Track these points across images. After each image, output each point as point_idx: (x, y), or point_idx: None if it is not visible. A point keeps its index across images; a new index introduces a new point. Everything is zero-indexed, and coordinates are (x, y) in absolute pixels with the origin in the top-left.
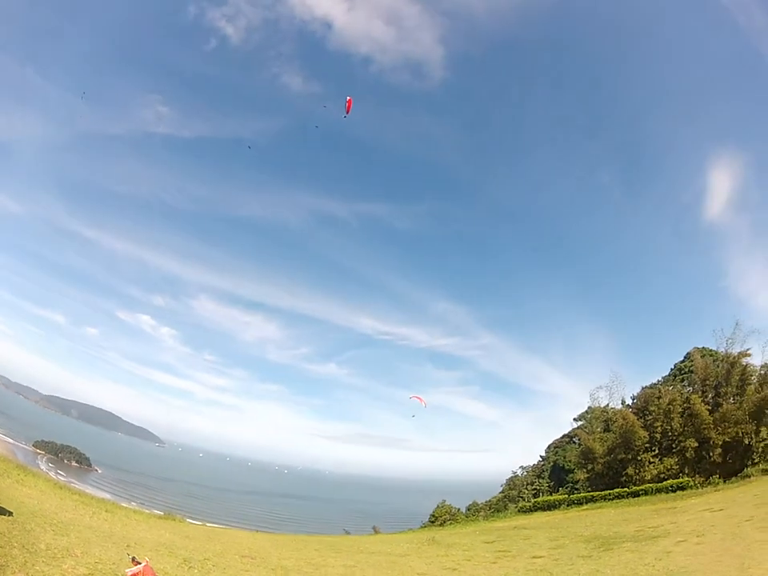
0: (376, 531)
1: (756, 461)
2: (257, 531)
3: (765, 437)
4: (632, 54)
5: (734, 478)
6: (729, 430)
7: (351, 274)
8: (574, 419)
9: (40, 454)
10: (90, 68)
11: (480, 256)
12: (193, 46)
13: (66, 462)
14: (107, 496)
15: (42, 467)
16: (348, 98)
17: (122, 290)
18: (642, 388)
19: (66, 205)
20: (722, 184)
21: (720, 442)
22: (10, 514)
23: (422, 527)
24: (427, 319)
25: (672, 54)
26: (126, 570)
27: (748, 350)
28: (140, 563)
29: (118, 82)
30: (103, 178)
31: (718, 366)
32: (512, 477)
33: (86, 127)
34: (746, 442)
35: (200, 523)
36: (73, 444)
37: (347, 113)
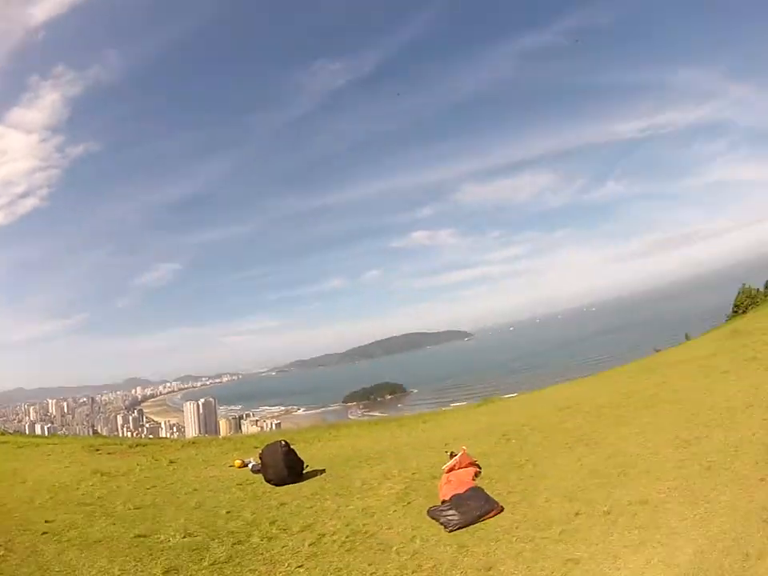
0: (687, 338)
1: None
2: (572, 381)
3: None
4: None
5: None
6: None
7: (591, 83)
8: None
9: (351, 406)
10: None
11: None
12: None
13: (378, 399)
14: (426, 410)
15: (354, 416)
16: None
17: (387, 223)
18: None
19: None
20: None
21: None
22: (322, 471)
23: (727, 321)
24: (679, 95)
25: None
26: (443, 467)
27: None
28: (456, 455)
29: None
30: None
31: None
32: None
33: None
34: None
35: (516, 395)
36: (380, 381)
37: None
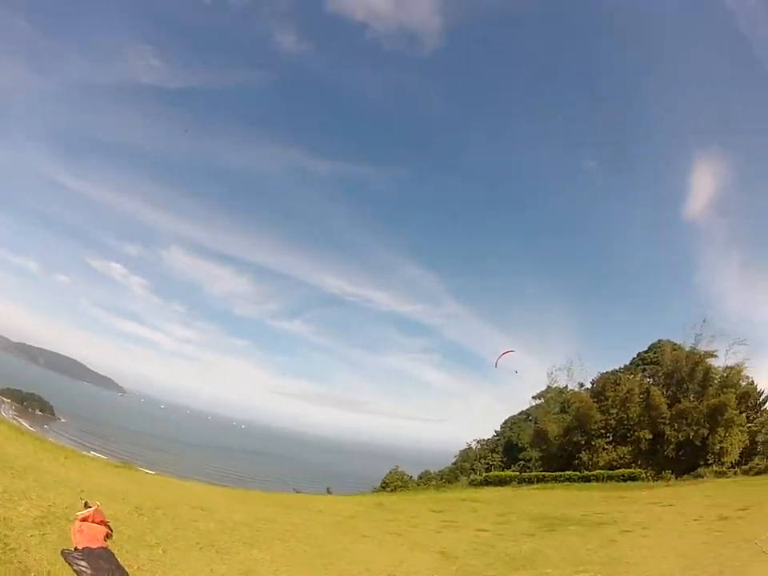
0: (329, 492)
1: (710, 462)
2: (210, 484)
3: (720, 439)
4: (624, 43)
5: (686, 476)
6: (684, 428)
7: (322, 232)
8: (533, 397)
9: (5, 402)
10: (80, 15)
11: (453, 226)
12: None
13: (30, 410)
14: (68, 444)
15: (7, 414)
16: None
17: (95, 238)
18: (601, 374)
19: (43, 150)
20: (704, 183)
21: (674, 439)
22: None
23: (372, 491)
24: (395, 283)
25: (663, 47)
26: (77, 513)
27: (714, 351)
28: (91, 507)
29: (109, 30)
30: (84, 125)
31: (682, 362)
32: (466, 449)
33: (69, 74)
34: (699, 443)
35: (155, 473)
36: (38, 392)
37: None
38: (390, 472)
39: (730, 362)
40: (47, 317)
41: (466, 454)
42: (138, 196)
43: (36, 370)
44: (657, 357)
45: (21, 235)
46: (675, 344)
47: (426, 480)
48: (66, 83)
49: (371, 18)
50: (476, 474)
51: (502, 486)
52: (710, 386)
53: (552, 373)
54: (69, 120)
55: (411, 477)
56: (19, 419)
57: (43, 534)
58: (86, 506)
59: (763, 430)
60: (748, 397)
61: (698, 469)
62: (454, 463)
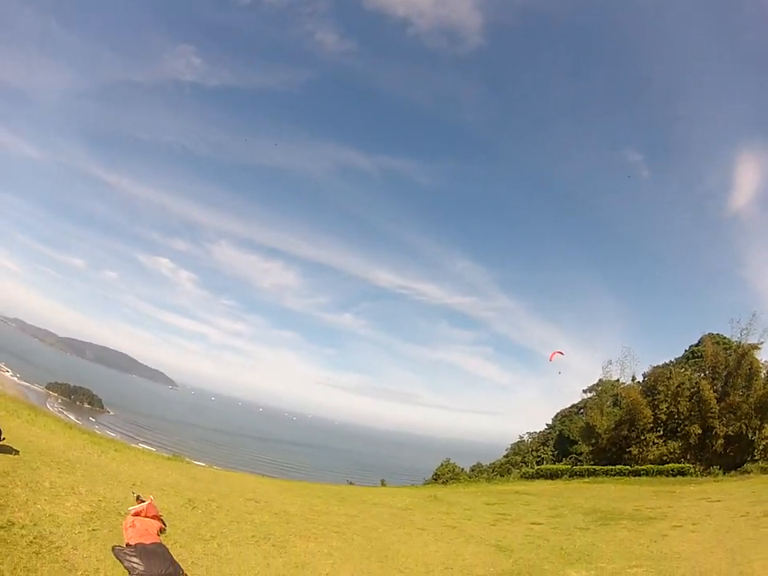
0: (383, 484)
1: (756, 458)
2: (263, 476)
3: (766, 434)
4: (665, 37)
5: (733, 472)
6: (733, 422)
7: (371, 227)
8: (584, 390)
9: (53, 395)
10: (117, 18)
11: (502, 218)
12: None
13: (78, 403)
14: (117, 437)
15: (53, 408)
16: None
17: (142, 234)
18: (652, 367)
19: (86, 150)
20: (749, 176)
21: (723, 433)
22: (17, 452)
23: (425, 483)
24: (445, 276)
25: (707, 40)
26: (129, 508)
27: (760, 342)
28: (144, 501)
29: (148, 31)
30: (126, 124)
31: (729, 355)
32: (517, 442)
33: (110, 75)
34: (749, 437)
35: (206, 465)
36: (87, 386)
37: None
38: (442, 464)
39: None
40: (95, 312)
41: (518, 447)
42: (180, 192)
43: (84, 364)
44: (704, 350)
45: (64, 233)
46: (720, 336)
47: (478, 472)
48: (100, 82)
49: (412, 14)
50: (528, 466)
51: (553, 480)
52: (757, 379)
53: (606, 367)
54: (104, 118)
55: (463, 469)
56: (66, 412)
57: (93, 530)
58: (138, 500)
59: None
60: None
61: (745, 464)
62: (506, 456)
